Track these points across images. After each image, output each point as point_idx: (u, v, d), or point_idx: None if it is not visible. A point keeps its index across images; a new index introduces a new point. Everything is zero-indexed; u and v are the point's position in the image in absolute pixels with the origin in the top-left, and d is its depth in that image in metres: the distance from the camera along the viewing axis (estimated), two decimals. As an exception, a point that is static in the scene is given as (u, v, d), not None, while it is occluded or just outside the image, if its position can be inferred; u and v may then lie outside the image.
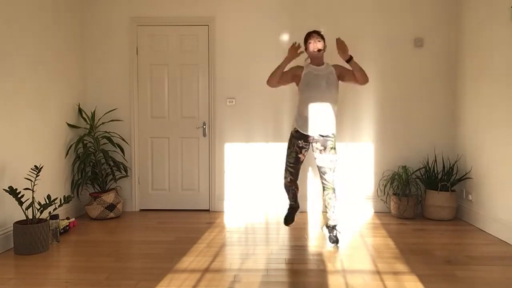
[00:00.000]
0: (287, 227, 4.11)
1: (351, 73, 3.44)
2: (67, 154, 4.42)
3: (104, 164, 4.58)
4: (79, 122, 4.68)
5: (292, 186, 3.63)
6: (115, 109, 4.78)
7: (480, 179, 4.09)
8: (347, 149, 4.74)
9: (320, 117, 3.39)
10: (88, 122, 4.63)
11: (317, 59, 3.46)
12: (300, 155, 3.52)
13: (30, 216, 3.47)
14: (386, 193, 4.70)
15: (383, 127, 4.71)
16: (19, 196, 3.29)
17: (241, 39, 4.73)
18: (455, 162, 4.53)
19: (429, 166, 4.58)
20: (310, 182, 4.77)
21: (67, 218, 4.12)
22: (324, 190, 3.53)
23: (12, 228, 3.43)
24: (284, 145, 4.75)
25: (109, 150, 4.64)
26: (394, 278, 2.80)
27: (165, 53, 4.81)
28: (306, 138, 3.47)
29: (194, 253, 3.34)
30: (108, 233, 3.95)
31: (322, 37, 3.47)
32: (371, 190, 4.75)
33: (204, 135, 4.81)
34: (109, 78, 4.79)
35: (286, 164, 3.58)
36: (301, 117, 3.46)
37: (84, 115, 4.66)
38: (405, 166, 4.50)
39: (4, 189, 3.31)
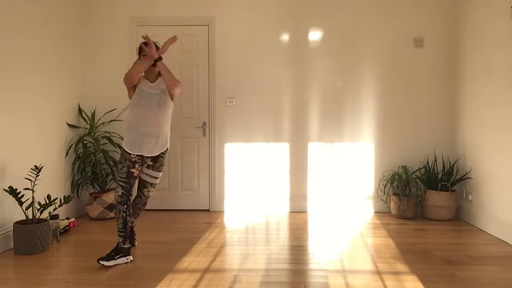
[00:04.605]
0: (287, 227, 4.11)
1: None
2: (67, 154, 4.42)
3: (104, 164, 4.58)
4: (79, 122, 4.68)
5: (124, 205, 3.14)
6: (115, 109, 4.78)
7: (480, 179, 4.09)
8: (347, 149, 4.74)
9: (151, 137, 3.14)
10: (88, 122, 4.63)
11: (151, 73, 3.19)
12: (133, 170, 3.16)
13: (30, 216, 3.47)
14: (386, 193, 4.70)
15: (383, 127, 4.71)
16: (19, 196, 3.29)
17: (241, 39, 4.73)
18: (455, 162, 4.53)
19: (429, 166, 4.58)
20: (310, 182, 4.77)
21: (67, 218, 4.12)
22: (137, 202, 3.29)
23: (12, 228, 3.43)
24: (284, 145, 4.77)
25: (109, 150, 4.64)
26: (394, 278, 2.80)
27: (165, 53, 4.79)
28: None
29: (194, 253, 3.34)
30: (108, 233, 3.94)
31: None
32: (371, 190, 4.75)
33: (204, 135, 4.81)
34: (109, 78, 4.79)
35: (118, 179, 3.17)
36: (129, 136, 3.16)
37: (84, 115, 4.66)
38: (405, 166, 4.50)
39: (4, 189, 3.31)
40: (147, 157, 3.22)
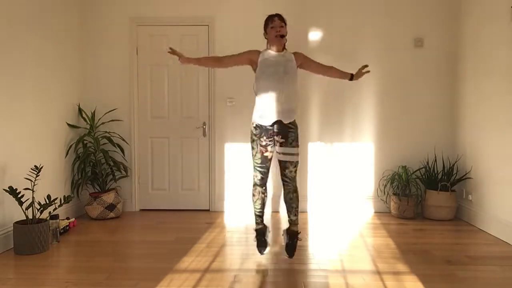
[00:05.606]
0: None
1: (314, 65, 3.29)
2: (67, 154, 4.42)
3: (104, 164, 4.58)
4: (79, 122, 4.68)
5: (263, 187, 3.22)
6: (115, 109, 4.78)
7: (480, 179, 4.09)
8: (347, 149, 4.74)
9: (279, 106, 3.04)
10: (88, 122, 4.63)
11: (278, 46, 3.12)
12: (266, 154, 3.12)
13: (30, 216, 3.46)
14: (386, 193, 4.70)
15: (383, 127, 4.71)
16: (19, 196, 3.29)
17: (241, 39, 4.72)
18: (455, 162, 4.53)
19: (429, 166, 4.58)
20: (310, 182, 4.77)
21: (67, 218, 4.12)
22: (284, 189, 3.19)
23: (12, 228, 3.43)
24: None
25: (109, 150, 4.64)
26: (394, 278, 2.80)
27: (165, 53, 4.77)
28: (267, 132, 3.09)
29: (194, 253, 3.34)
30: (108, 233, 3.94)
31: (285, 22, 3.17)
32: (371, 190, 4.75)
33: (204, 135, 4.81)
34: (109, 78, 4.79)
35: (254, 166, 3.18)
36: (258, 107, 3.11)
37: (84, 115, 4.66)
38: (405, 166, 4.50)
39: (4, 189, 3.31)
40: (277, 134, 3.07)
